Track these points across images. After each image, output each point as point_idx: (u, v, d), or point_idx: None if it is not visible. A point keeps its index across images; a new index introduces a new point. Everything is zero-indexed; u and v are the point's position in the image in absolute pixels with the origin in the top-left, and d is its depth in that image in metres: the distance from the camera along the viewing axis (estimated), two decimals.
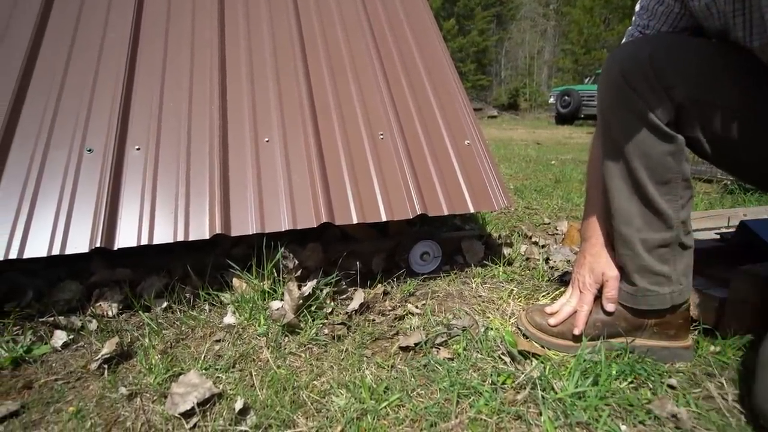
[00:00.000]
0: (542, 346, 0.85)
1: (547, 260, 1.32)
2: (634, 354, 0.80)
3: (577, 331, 0.83)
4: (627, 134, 0.74)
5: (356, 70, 1.31)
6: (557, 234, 1.65)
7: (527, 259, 1.34)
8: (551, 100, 11.76)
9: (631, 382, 0.73)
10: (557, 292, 1.09)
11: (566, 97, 10.61)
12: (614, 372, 0.74)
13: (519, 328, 0.92)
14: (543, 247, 1.46)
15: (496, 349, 0.83)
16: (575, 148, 5.32)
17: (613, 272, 0.83)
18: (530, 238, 1.57)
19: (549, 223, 1.83)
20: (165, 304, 0.98)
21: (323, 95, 1.23)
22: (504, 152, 4.60)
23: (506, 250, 1.37)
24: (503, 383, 0.73)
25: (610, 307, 0.82)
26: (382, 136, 1.19)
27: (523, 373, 0.75)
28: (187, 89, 1.13)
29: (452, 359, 0.81)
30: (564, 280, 1.17)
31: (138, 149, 1.02)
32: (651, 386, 0.73)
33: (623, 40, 0.87)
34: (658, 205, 0.75)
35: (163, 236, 0.93)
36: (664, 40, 0.74)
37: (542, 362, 0.79)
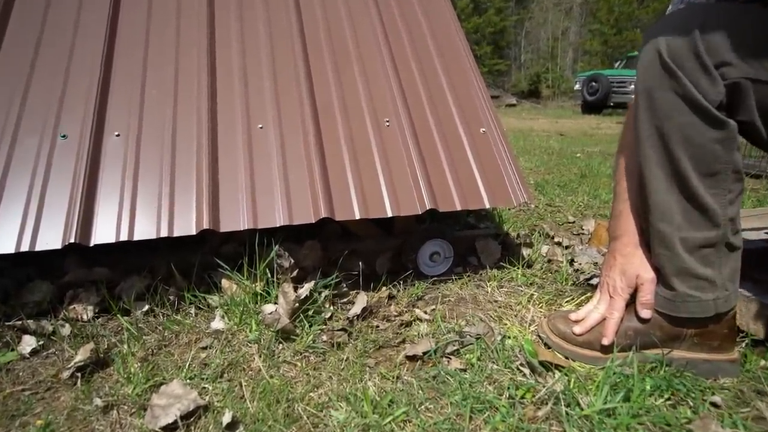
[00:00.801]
0: (566, 357, 0.84)
1: (571, 262, 1.31)
2: (671, 367, 0.78)
3: (606, 341, 0.81)
4: (669, 119, 0.73)
5: (360, 50, 1.31)
6: (583, 234, 1.65)
7: (549, 261, 1.34)
8: (577, 87, 11.70)
9: (668, 399, 0.72)
10: (583, 298, 1.08)
11: (594, 84, 10.54)
12: (648, 387, 0.73)
13: (540, 337, 0.91)
14: (567, 248, 1.45)
15: (514, 360, 0.82)
16: (603, 139, 5.28)
17: (648, 274, 0.81)
18: (552, 238, 1.56)
19: (574, 222, 1.82)
20: (146, 307, 0.98)
21: (323, 80, 1.22)
22: (524, 144, 4.58)
23: (526, 251, 1.36)
24: (522, 397, 0.73)
25: (645, 313, 0.81)
26: (388, 123, 1.19)
27: (544, 387, 0.74)
28: (173, 61, 1.14)
29: (465, 370, 0.80)
30: (591, 285, 1.16)
31: (118, 135, 1.02)
32: (691, 404, 0.71)
33: (668, 9, 0.85)
34: (703, 199, 0.73)
35: (145, 232, 0.93)
36: (717, 8, 0.72)
37: (566, 375, 0.78)
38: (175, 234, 0.93)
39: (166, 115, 1.07)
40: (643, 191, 0.79)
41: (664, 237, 0.77)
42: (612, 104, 10.40)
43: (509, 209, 1.96)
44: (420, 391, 0.75)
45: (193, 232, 0.93)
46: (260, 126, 1.11)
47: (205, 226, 0.93)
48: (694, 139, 0.71)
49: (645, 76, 0.76)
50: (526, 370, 0.79)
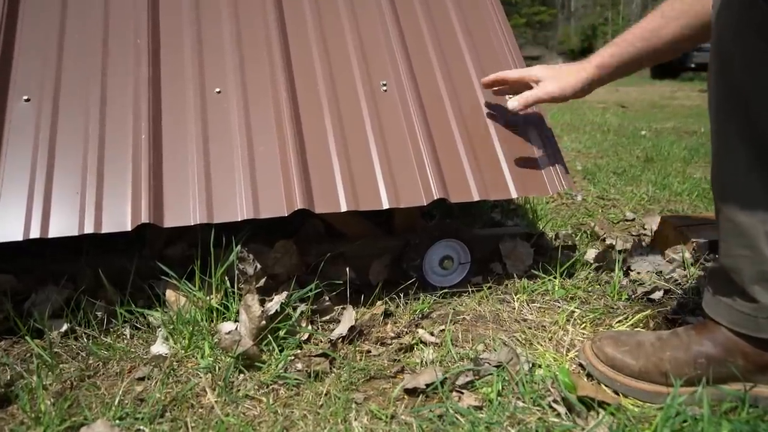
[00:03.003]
0: (615, 392, 0.85)
1: (627, 271, 1.31)
2: (757, 407, 0.78)
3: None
4: (756, 74, 0.72)
5: None
6: (644, 234, 1.65)
7: (597, 268, 1.34)
8: None
9: None
10: (639, 316, 1.08)
11: None
12: None
13: (581, 365, 0.91)
14: (622, 252, 1.44)
15: (545, 395, 0.82)
16: (678, 112, 5.27)
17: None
18: (603, 239, 1.56)
19: (633, 220, 1.82)
20: (65, 327, 0.99)
21: (301, 30, 1.23)
22: (571, 118, 4.59)
23: (566, 256, 1.36)
24: None
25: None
26: (385, 87, 1.19)
27: (583, 430, 0.74)
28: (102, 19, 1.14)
29: (480, 408, 0.81)
30: (652, 300, 1.16)
31: (27, 100, 1.03)
32: None
33: None
34: None
35: (63, 228, 0.93)
36: None
37: (613, 414, 0.79)
38: (104, 230, 0.93)
39: (93, 73, 1.08)
40: (715, 172, 0.79)
41: (744, 232, 0.77)
42: (693, 65, 10.31)
43: (546, 201, 1.96)
44: None
45: (128, 229, 0.94)
46: (218, 90, 1.11)
47: (144, 220, 0.94)
48: None
49: (724, 20, 0.75)
50: (561, 409, 0.79)
